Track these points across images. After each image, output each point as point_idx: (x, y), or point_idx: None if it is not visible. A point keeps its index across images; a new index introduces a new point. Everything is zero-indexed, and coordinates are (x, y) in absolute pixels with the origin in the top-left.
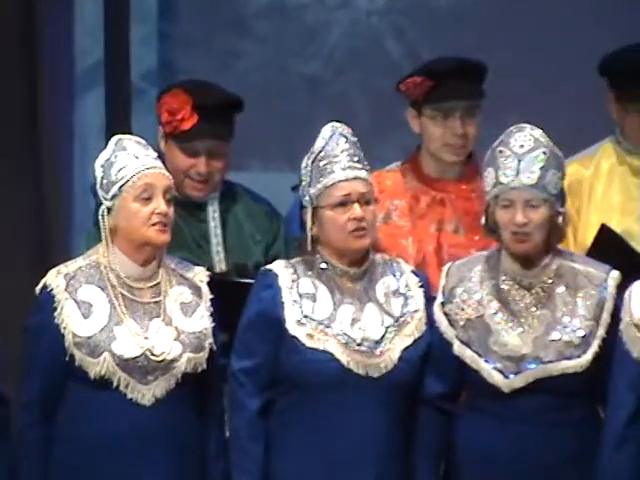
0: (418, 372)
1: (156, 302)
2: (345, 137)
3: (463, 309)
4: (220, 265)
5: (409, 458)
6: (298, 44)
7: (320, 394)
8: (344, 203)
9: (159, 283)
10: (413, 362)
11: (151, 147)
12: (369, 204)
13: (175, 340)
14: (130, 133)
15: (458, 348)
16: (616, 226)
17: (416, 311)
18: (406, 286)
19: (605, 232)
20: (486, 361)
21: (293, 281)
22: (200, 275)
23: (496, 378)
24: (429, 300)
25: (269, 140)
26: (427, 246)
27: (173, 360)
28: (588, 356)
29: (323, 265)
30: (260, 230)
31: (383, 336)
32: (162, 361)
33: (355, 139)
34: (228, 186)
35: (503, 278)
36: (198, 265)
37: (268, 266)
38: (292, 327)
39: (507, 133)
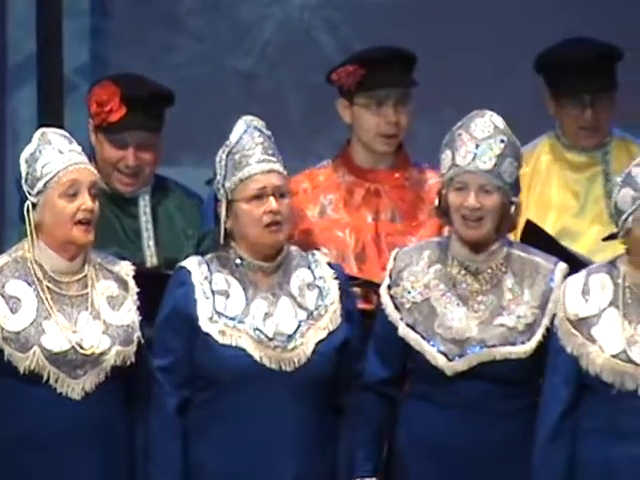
0: (334, 364)
1: (83, 295)
2: (259, 130)
3: (410, 292)
4: (152, 260)
5: (332, 452)
6: (231, 39)
7: (235, 390)
8: (259, 196)
9: (85, 276)
10: (328, 355)
11: (76, 141)
12: (284, 197)
13: (104, 333)
14: (62, 128)
15: (403, 330)
16: (554, 222)
17: (331, 304)
18: (321, 278)
19: (530, 227)
20: (431, 344)
21: (206, 278)
22: (126, 269)
23: (440, 361)
24: (344, 292)
25: (202, 135)
26: (365, 236)
27: (102, 353)
28: (532, 343)
29: (237, 261)
30: (192, 225)
31: (296, 330)
32: (91, 355)
33: (269, 132)
34: (159, 180)
35: (451, 263)
36: (126, 260)
37: (182, 263)
38: (205, 324)
39: (468, 117)
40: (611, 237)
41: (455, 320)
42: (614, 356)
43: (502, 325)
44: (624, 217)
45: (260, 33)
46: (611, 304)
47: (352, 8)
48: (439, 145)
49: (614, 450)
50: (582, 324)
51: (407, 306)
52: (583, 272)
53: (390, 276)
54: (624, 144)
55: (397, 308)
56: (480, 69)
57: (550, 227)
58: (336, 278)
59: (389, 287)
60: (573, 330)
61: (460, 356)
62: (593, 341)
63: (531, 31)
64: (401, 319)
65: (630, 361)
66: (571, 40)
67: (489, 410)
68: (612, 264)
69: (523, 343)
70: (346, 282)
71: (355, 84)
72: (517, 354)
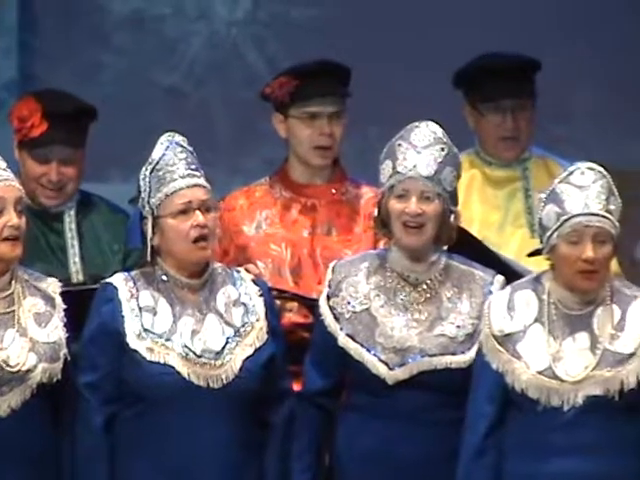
0: (261, 381)
1: (9, 313)
2: (182, 146)
3: (349, 302)
4: (77, 276)
5: (258, 467)
6: (158, 55)
7: (163, 407)
8: (185, 211)
9: (12, 294)
10: (255, 372)
11: (3, 158)
12: (210, 211)
13: (30, 351)
14: None
15: (343, 340)
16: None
17: (257, 320)
18: (246, 295)
19: (460, 232)
20: (371, 353)
21: (132, 294)
22: (53, 286)
23: (381, 369)
24: (269, 308)
25: (131, 151)
26: (301, 250)
27: (28, 370)
28: (472, 353)
29: (163, 277)
30: (118, 240)
31: (224, 347)
32: (18, 372)
33: (191, 148)
34: (84, 196)
35: (390, 274)
36: (53, 276)
37: (108, 279)
38: (132, 341)
39: (407, 129)
40: (536, 253)
41: (396, 329)
42: (540, 372)
43: (442, 335)
44: (549, 234)
45: (187, 49)
46: (536, 320)
47: (279, 24)
48: (365, 162)
49: (540, 467)
50: (507, 340)
51: (347, 316)
52: (508, 288)
53: (329, 287)
54: (543, 162)
55: (336, 318)
56: (406, 86)
57: None
58: (261, 295)
59: (328, 298)
60: (498, 346)
61: (401, 365)
62: (518, 357)
63: (456, 48)
64: (341, 329)
65: (555, 377)
66: (489, 53)
67: (428, 421)
68: (537, 280)
69: (463, 353)
70: (271, 298)
71: (289, 95)
72: (457, 364)
